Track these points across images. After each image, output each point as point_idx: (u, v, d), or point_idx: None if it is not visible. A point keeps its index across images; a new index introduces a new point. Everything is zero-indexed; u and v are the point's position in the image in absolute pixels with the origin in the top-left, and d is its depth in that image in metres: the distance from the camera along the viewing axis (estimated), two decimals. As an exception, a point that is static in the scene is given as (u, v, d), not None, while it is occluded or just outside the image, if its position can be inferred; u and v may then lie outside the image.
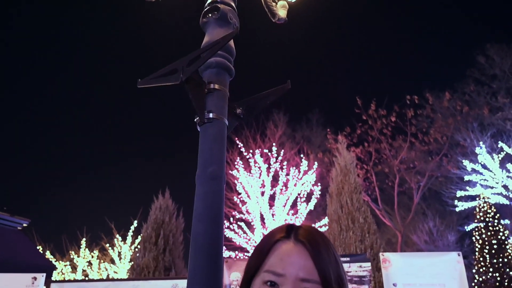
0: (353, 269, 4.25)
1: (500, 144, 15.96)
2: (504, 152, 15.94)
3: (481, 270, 13.10)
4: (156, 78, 1.42)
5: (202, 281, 0.83)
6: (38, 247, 13.56)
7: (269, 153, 14.21)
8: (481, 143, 16.06)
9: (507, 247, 13.13)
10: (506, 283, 12.36)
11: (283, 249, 0.76)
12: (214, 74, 1.46)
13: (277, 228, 0.83)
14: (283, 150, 14.61)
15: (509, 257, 12.90)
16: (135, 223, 15.10)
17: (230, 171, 13.76)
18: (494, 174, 15.97)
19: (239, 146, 14.22)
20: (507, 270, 12.62)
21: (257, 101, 1.55)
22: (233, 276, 4.76)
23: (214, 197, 1.11)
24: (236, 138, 14.37)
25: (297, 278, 0.72)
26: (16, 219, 8.03)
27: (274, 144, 14.57)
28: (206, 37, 1.57)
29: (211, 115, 1.32)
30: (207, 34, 1.58)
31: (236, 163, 13.70)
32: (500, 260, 12.85)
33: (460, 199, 17.17)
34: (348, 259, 4.38)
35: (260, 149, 14.11)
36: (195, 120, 1.34)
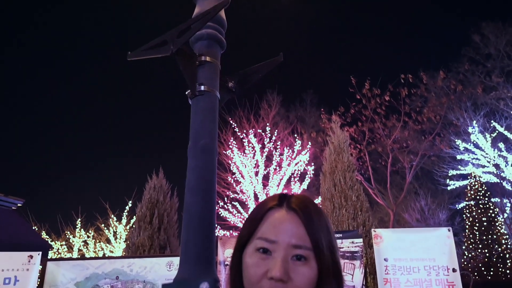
0: (345, 245, 4.33)
1: (493, 123, 16.10)
2: (497, 132, 16.10)
3: (470, 246, 13.43)
4: (146, 50, 1.38)
5: (195, 250, 0.84)
6: (33, 228, 13.61)
7: (263, 133, 14.21)
8: (474, 122, 16.18)
9: (497, 224, 13.44)
10: (494, 259, 12.71)
11: (276, 217, 0.76)
12: (205, 46, 1.43)
13: (270, 197, 0.83)
14: (276, 130, 14.62)
15: (498, 234, 13.22)
16: (130, 203, 15.18)
17: (224, 151, 13.77)
18: (486, 153, 16.17)
19: (233, 126, 14.19)
20: (496, 246, 12.96)
21: (249, 75, 1.52)
22: (227, 253, 4.83)
23: (206, 169, 1.10)
24: (230, 118, 14.32)
25: (289, 245, 0.72)
26: (10, 199, 8.02)
27: (267, 124, 14.56)
28: (196, 8, 1.53)
29: (202, 87, 1.29)
30: (197, 5, 1.53)
31: (230, 143, 13.70)
32: (490, 237, 13.18)
33: (452, 178, 17.43)
34: (340, 235, 4.46)
35: (253, 129, 14.09)
36: (186, 93, 1.31)
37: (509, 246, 13.08)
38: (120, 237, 15.86)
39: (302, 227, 0.74)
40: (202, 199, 0.97)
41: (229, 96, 1.43)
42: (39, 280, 4.94)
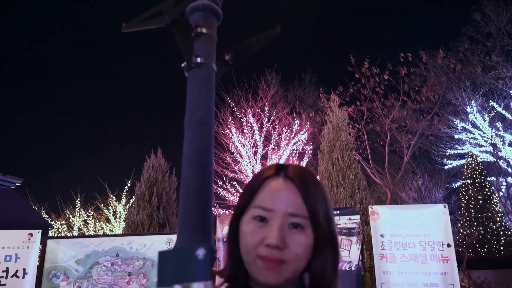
0: (342, 221, 4.39)
1: (491, 103, 16.07)
2: (495, 111, 16.10)
3: (466, 224, 13.67)
4: (141, 21, 1.35)
5: (192, 222, 0.84)
6: (33, 207, 13.71)
7: (261, 113, 14.16)
8: (472, 102, 16.15)
9: (492, 202, 13.64)
10: (489, 236, 12.96)
11: (273, 186, 0.76)
12: (201, 18, 1.39)
13: (267, 167, 0.83)
14: (275, 110, 14.56)
15: (493, 212, 13.43)
16: (129, 183, 15.27)
17: (222, 131, 13.76)
18: (484, 133, 16.22)
19: (231, 105, 14.12)
20: (491, 224, 13.19)
21: (246, 47, 1.49)
22: (226, 230, 4.89)
23: (203, 142, 1.10)
24: (228, 98, 14.24)
25: (286, 213, 0.72)
26: (8, 178, 8.03)
27: (266, 103, 14.49)
28: (192, -22, 1.48)
29: (198, 59, 1.27)
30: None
31: (228, 123, 13.67)
32: (485, 214, 13.39)
33: (449, 157, 17.55)
34: (338, 212, 4.51)
35: (252, 109, 14.03)
36: (183, 65, 1.29)
37: (503, 223, 13.32)
38: (120, 217, 16.03)
39: (299, 196, 0.74)
40: (199, 171, 0.97)
41: (226, 69, 1.41)
42: (39, 258, 5.01)
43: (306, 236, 0.72)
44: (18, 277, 4.87)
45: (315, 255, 0.73)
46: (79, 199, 16.32)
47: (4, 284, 4.76)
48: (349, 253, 4.37)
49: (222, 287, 0.77)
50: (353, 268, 4.30)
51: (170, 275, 0.55)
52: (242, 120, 13.82)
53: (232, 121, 13.69)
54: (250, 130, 13.76)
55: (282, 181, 0.76)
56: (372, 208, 4.53)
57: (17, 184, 8.36)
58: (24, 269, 4.92)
